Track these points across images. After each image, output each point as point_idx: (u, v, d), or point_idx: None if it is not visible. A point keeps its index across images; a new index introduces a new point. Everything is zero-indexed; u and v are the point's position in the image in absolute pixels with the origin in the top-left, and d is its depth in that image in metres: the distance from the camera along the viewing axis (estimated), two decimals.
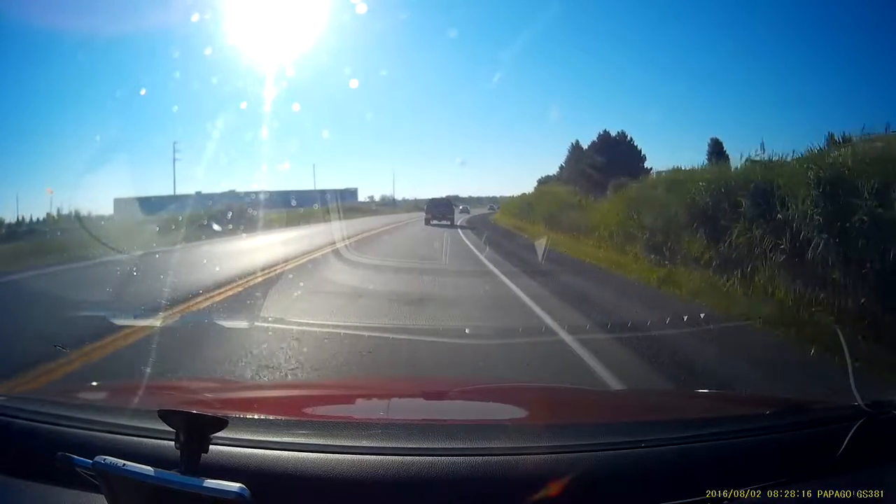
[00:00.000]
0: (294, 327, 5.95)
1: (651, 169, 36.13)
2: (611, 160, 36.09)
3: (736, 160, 12.68)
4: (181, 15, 23.27)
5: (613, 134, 40.79)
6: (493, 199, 52.94)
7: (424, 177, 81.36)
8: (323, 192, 38.29)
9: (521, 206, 32.53)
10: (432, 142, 73.53)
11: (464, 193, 58.01)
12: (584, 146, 43.37)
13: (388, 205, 52.25)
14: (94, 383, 3.30)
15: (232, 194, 31.96)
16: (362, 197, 52.87)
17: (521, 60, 50.80)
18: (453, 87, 56.88)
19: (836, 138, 10.81)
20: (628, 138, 41.30)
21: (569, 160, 45.48)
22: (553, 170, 49.39)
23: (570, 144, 45.36)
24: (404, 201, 53.76)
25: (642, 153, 40.58)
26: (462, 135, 68.69)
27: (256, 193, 29.24)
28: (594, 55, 53.53)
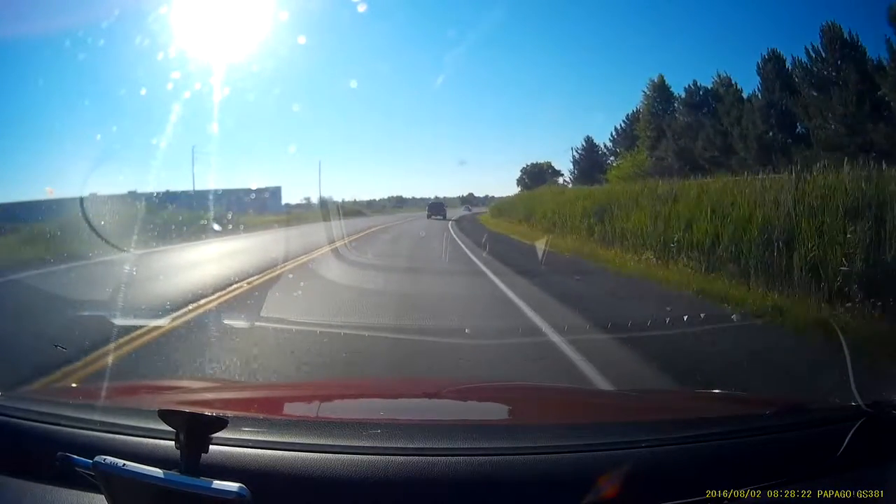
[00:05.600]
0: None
1: None
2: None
3: None
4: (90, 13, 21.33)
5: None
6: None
7: (362, 177, 72.94)
8: (230, 192, 27.47)
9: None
10: (374, 141, 67.26)
11: (407, 194, 55.52)
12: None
13: (323, 208, 34.43)
14: (94, 383, 3.30)
15: (133, 195, 22.19)
16: (294, 198, 42.67)
17: (468, 56, 46.40)
18: (397, 80, 52.01)
19: None
20: None
21: (651, 110, 28.64)
22: (537, 157, 41.37)
23: (649, 81, 28.96)
24: (344, 203, 42.12)
25: None
26: (407, 135, 64.12)
27: (155, 195, 22.02)
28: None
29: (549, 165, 39.62)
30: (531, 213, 24.76)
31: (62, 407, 1.72)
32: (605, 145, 36.02)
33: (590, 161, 36.22)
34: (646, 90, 29.93)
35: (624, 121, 33.86)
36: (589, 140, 36.75)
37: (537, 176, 38.94)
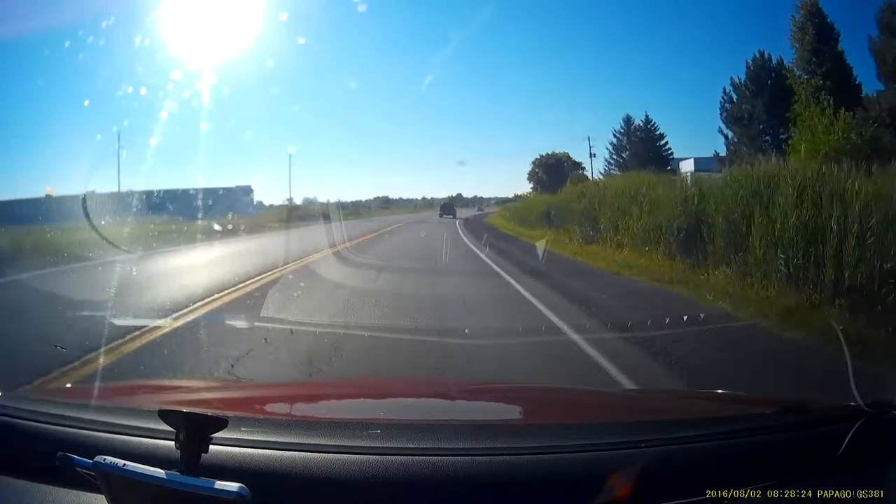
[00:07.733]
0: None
1: None
2: None
3: None
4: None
5: None
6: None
7: (346, 177, 65.39)
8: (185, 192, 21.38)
9: None
10: (357, 139, 60.56)
11: (394, 194, 54.59)
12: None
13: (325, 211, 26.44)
14: (94, 383, 3.30)
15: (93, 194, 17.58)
16: (266, 198, 37.62)
17: (459, 51, 41.94)
18: (384, 77, 48.24)
19: None
20: None
21: (810, 48, 17.75)
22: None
23: (797, 5, 18.35)
24: (328, 204, 34.33)
25: None
26: (393, 134, 59.19)
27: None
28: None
29: (566, 156, 33.34)
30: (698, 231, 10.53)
31: (62, 407, 1.72)
32: (723, 107, 24.78)
33: (644, 144, 28.65)
34: (795, 15, 18.45)
35: (750, 67, 22.37)
36: (630, 119, 29.21)
37: (554, 168, 32.80)
